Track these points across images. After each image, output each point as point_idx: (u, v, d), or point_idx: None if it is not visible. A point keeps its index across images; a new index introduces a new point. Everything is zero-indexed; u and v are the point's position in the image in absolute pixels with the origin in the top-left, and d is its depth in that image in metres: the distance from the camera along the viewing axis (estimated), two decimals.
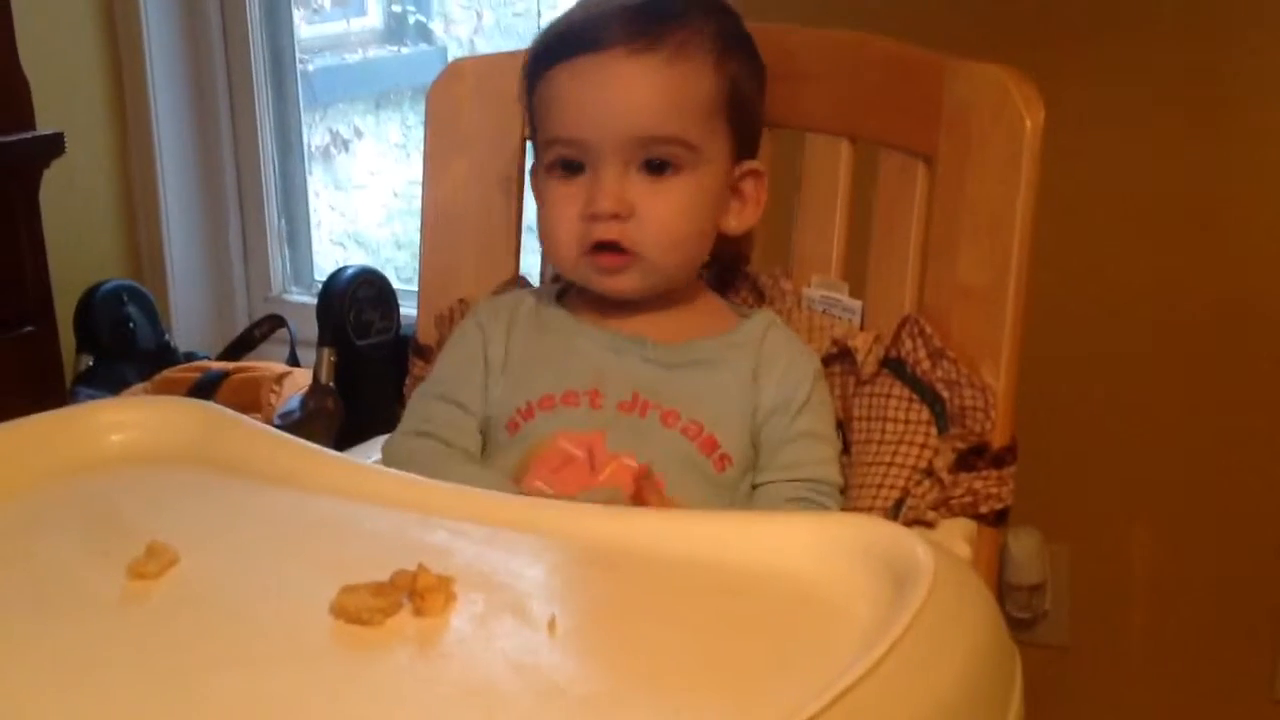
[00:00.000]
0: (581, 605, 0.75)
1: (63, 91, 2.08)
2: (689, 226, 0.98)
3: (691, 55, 0.96)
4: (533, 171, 1.03)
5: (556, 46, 0.98)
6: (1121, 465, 1.59)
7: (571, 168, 0.98)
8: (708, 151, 0.97)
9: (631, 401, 0.97)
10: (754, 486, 0.99)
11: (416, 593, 0.71)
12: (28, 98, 1.68)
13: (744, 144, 1.01)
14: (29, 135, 1.67)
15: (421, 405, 1.03)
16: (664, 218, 0.96)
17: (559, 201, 0.98)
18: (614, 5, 0.97)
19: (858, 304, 1.04)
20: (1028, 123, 0.92)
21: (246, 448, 0.89)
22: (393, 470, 0.90)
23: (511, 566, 0.76)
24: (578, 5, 1.01)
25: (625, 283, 0.99)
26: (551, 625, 0.69)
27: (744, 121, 1.00)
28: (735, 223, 1.02)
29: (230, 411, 0.94)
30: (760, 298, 1.08)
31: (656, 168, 0.96)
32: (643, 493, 0.90)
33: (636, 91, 0.95)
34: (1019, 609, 1.63)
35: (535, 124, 1.01)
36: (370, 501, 0.83)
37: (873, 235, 1.03)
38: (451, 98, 1.14)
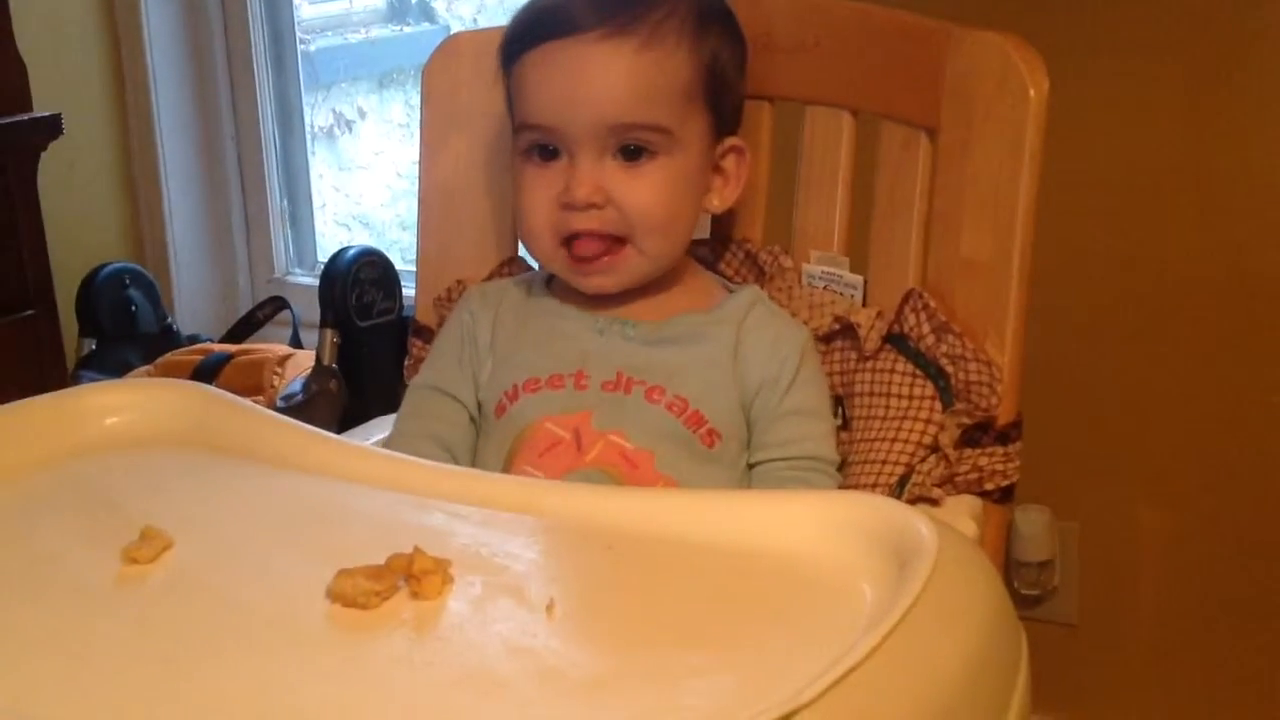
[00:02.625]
0: (580, 587, 0.74)
1: (61, 73, 2.07)
2: (668, 211, 0.97)
3: (666, 38, 0.94)
4: (512, 153, 1.02)
5: (529, 30, 0.97)
6: (1131, 442, 1.58)
7: (547, 153, 0.97)
8: (684, 135, 0.96)
9: (615, 381, 0.97)
10: (751, 466, 0.98)
11: (413, 576, 0.70)
12: (24, 79, 1.67)
13: (723, 121, 0.99)
14: (25, 117, 1.66)
15: (418, 397, 1.03)
16: (642, 204, 0.96)
17: (534, 186, 0.97)
18: None
19: (859, 279, 1.02)
20: (1032, 92, 0.91)
21: (241, 430, 0.88)
22: (389, 452, 0.89)
23: (509, 548, 0.75)
24: None
25: (606, 282, 0.98)
26: (550, 608, 0.69)
27: (723, 99, 0.98)
28: (718, 201, 1.02)
29: (225, 393, 0.93)
30: (760, 275, 1.06)
31: (632, 154, 0.95)
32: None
33: (609, 79, 0.94)
34: (1027, 586, 1.62)
35: (511, 107, 1.00)
36: (367, 484, 0.82)
37: (875, 209, 1.02)
38: (448, 74, 1.13)
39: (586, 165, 0.95)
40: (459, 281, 1.11)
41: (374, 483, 0.82)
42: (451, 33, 2.33)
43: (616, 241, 0.97)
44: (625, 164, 0.95)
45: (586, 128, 0.94)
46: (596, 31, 0.94)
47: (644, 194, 0.95)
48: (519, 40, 0.98)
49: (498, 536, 0.76)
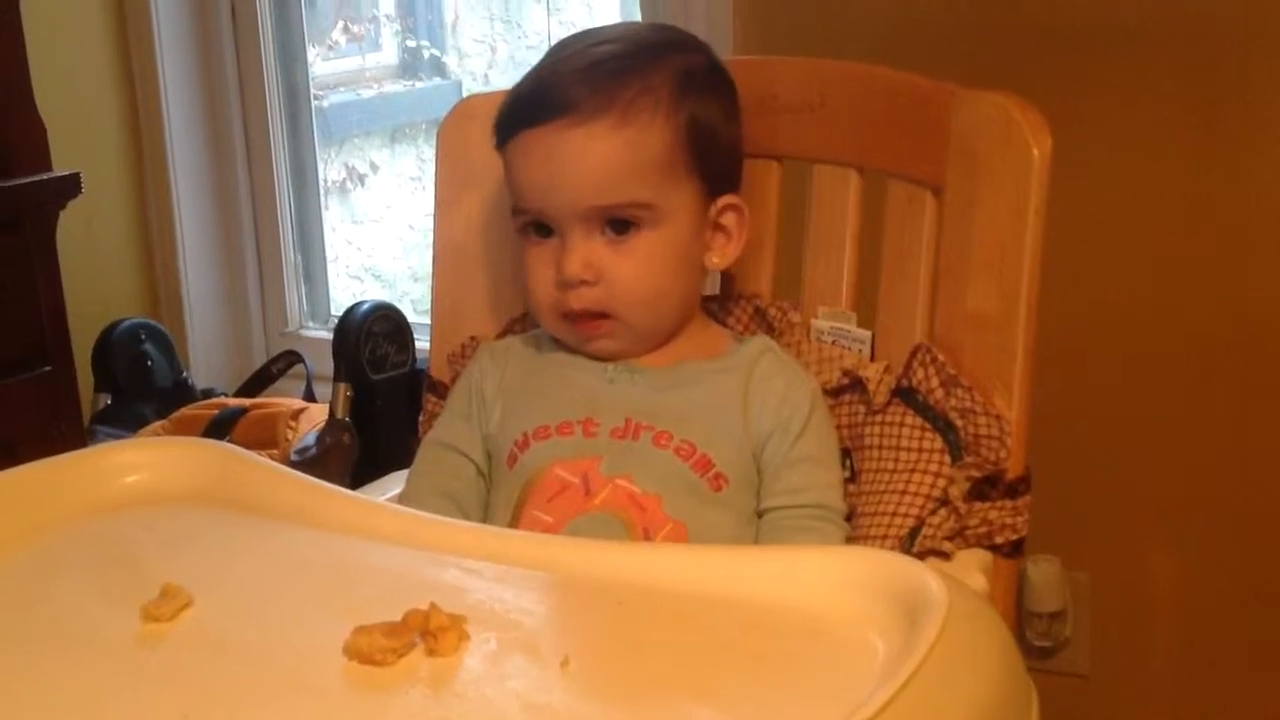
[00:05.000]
0: (594, 643, 0.74)
1: (79, 132, 2.10)
2: (659, 282, 0.99)
3: (639, 114, 0.96)
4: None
5: (512, 116, 1.00)
6: (1141, 492, 1.59)
7: (542, 230, 0.99)
8: (669, 205, 0.98)
9: (624, 427, 0.98)
10: (760, 513, 0.99)
11: (429, 632, 0.71)
12: (44, 140, 1.69)
13: (715, 181, 1.01)
14: (46, 177, 1.69)
15: (428, 454, 1.05)
16: (631, 278, 0.98)
17: (534, 264, 1.00)
18: (563, 69, 0.98)
19: (866, 334, 1.04)
20: (1035, 151, 0.92)
21: (260, 487, 0.89)
22: (406, 508, 0.90)
23: (524, 604, 0.76)
24: (539, 63, 1.02)
25: (608, 345, 1.01)
26: (564, 664, 0.69)
27: (710, 160, 1.00)
28: (718, 259, 1.03)
29: (244, 451, 0.94)
30: (769, 330, 1.08)
31: (620, 227, 0.97)
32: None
33: (585, 163, 0.96)
34: (1039, 637, 1.62)
35: (507, 185, 1.02)
36: (383, 540, 0.83)
37: (882, 265, 1.03)
38: (462, 135, 1.14)
39: (575, 243, 0.97)
40: (472, 338, 1.12)
41: (390, 539, 0.83)
42: (465, 89, 2.39)
43: (607, 316, 0.99)
44: (614, 238, 0.98)
45: (570, 210, 0.97)
46: (571, 117, 0.95)
47: (630, 269, 0.97)
48: (504, 126, 1.00)
49: (512, 592, 0.77)
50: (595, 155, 0.96)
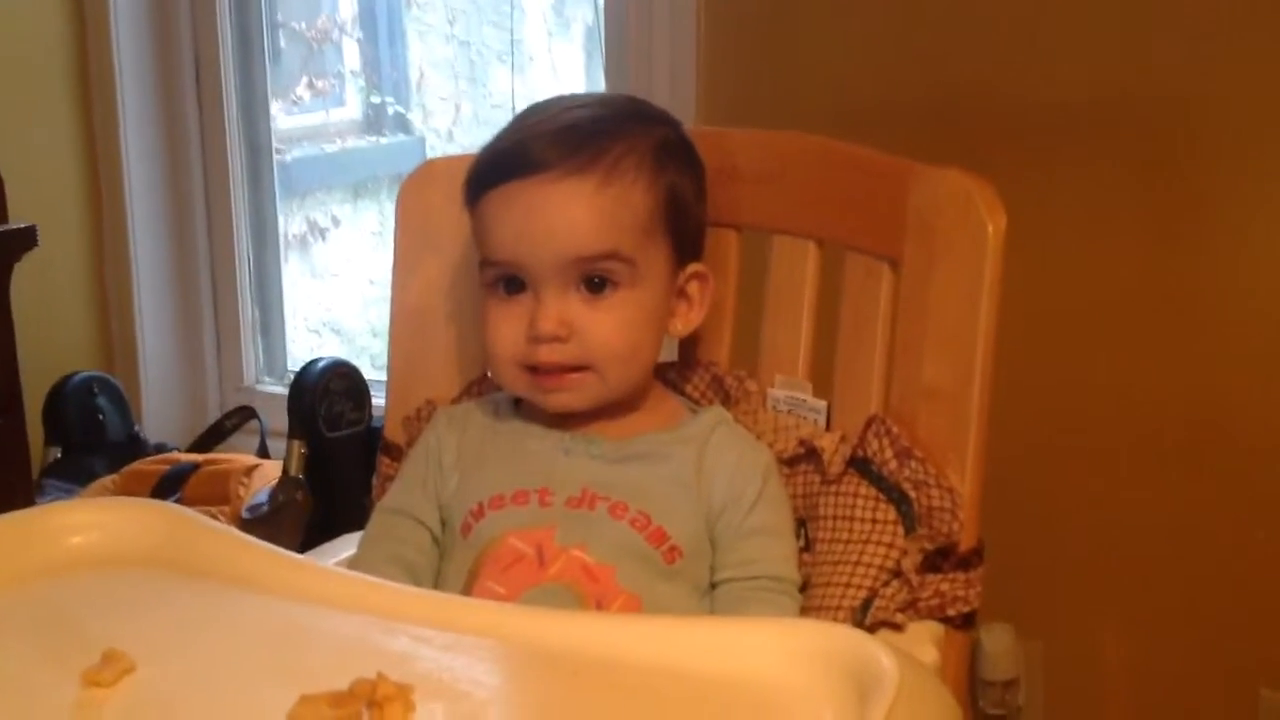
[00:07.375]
0: (544, 715, 0.74)
1: (37, 182, 2.08)
2: (631, 342, 0.99)
3: (624, 174, 0.97)
4: (479, 285, 1.04)
5: (492, 170, 1.00)
6: (1095, 558, 1.60)
7: (513, 285, 0.99)
8: (645, 265, 0.98)
9: (580, 497, 0.98)
10: (713, 585, 0.99)
11: (375, 702, 0.70)
12: (1, 192, 1.68)
13: (685, 249, 1.02)
14: (2, 230, 1.67)
15: (382, 520, 1.04)
16: (605, 336, 0.98)
17: (501, 321, 0.99)
18: (547, 125, 0.99)
19: (823, 404, 1.04)
20: (990, 228, 0.93)
21: (208, 551, 0.88)
22: (356, 574, 0.89)
23: (473, 674, 0.76)
24: (512, 124, 1.03)
25: (570, 400, 1.00)
26: None
27: (683, 227, 1.01)
28: (681, 325, 1.04)
29: (192, 513, 0.93)
30: (726, 398, 1.08)
31: (596, 285, 0.98)
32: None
33: (570, 214, 0.96)
34: (993, 705, 1.62)
35: (477, 241, 1.02)
36: (333, 606, 0.82)
37: (839, 337, 1.04)
38: (423, 198, 1.15)
39: (551, 298, 0.97)
40: (428, 401, 1.12)
41: (340, 605, 0.82)
42: (429, 145, 2.40)
43: (578, 369, 0.99)
44: (589, 296, 0.98)
45: (549, 262, 0.97)
46: (556, 170, 0.96)
47: (606, 326, 0.97)
48: (482, 179, 1.00)
49: (461, 661, 0.76)
50: (580, 208, 0.96)
